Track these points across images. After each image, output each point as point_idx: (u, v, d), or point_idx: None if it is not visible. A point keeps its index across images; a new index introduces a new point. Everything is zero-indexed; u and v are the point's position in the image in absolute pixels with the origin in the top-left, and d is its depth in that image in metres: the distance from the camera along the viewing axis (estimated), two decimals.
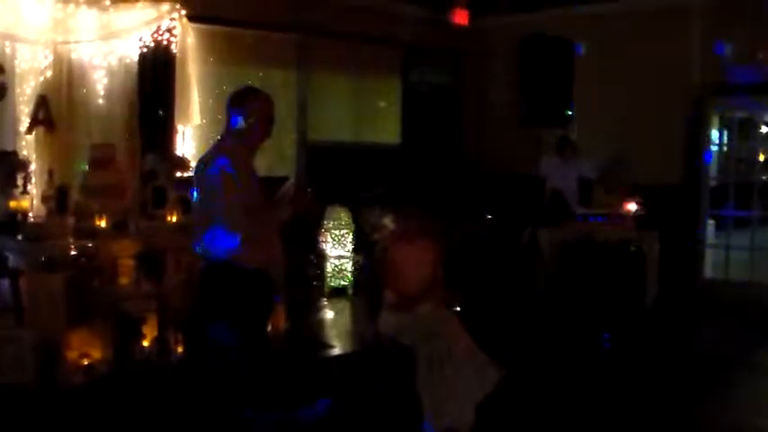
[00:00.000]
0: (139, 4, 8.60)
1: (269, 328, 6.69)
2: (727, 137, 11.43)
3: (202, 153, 5.23)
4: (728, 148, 11.33)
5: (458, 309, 6.73)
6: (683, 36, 10.27)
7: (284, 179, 8.87)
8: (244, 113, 4.76)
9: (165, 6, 8.76)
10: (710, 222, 10.80)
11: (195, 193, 4.92)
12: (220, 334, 4.81)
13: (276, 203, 4.83)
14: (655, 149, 10.37)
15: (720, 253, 10.67)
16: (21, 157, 7.73)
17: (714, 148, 10.91)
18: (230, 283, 4.73)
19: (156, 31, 8.76)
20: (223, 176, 4.63)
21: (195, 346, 6.37)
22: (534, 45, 8.72)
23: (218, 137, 5.02)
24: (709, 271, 10.66)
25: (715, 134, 11.04)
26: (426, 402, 5.62)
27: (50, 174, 7.67)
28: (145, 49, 8.77)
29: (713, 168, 10.91)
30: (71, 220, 7.13)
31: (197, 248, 4.93)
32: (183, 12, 8.90)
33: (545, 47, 8.74)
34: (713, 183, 10.75)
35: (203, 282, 4.93)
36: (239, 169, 4.68)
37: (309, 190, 4.89)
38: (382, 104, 11.86)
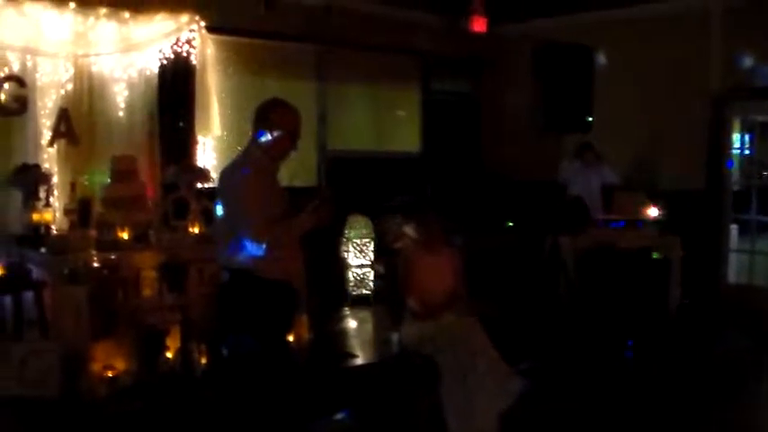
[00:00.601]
0: (159, 16, 8.63)
1: (291, 338, 6.76)
2: (749, 140, 11.34)
3: (225, 163, 5.23)
4: (751, 152, 11.23)
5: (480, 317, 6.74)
6: (703, 40, 10.22)
7: (310, 189, 8.92)
8: (270, 126, 4.75)
9: (185, 18, 8.78)
10: (734, 227, 10.70)
11: (219, 204, 4.91)
12: (242, 345, 4.81)
13: (300, 214, 4.81)
14: (676, 154, 10.33)
15: (744, 258, 10.59)
16: (43, 170, 7.77)
17: (736, 152, 10.81)
18: (253, 294, 4.73)
19: (176, 43, 8.78)
20: (247, 187, 4.66)
21: (218, 357, 6.36)
22: (553, 52, 8.70)
23: (242, 148, 5.03)
24: (732, 276, 10.56)
25: (737, 138, 10.95)
26: (450, 412, 5.62)
27: (73, 186, 7.70)
28: (164, 61, 8.79)
29: (736, 172, 10.81)
30: (93, 233, 7.15)
31: (220, 259, 4.94)
32: (203, 23, 8.92)
33: (564, 53, 8.71)
34: (736, 187, 10.66)
35: (226, 293, 4.94)
36: (263, 180, 4.70)
37: (331, 198, 4.87)
38: (402, 113, 11.87)
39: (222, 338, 5.44)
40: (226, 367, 5.45)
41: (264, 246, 4.56)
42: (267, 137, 4.74)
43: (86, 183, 7.96)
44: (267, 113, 4.81)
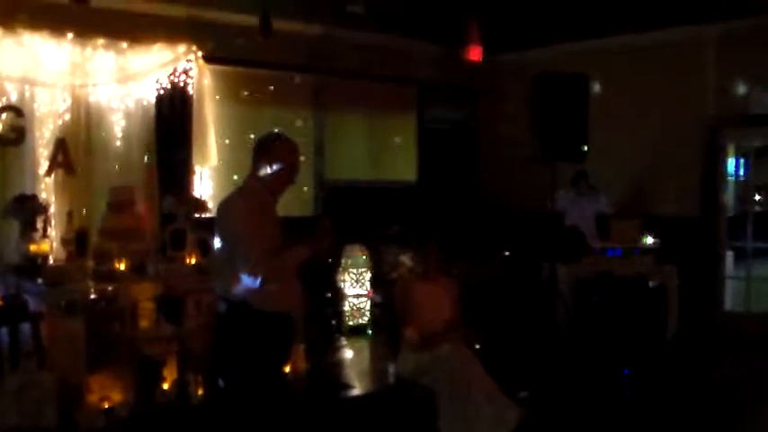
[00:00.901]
0: (156, 47, 8.70)
1: (288, 369, 6.75)
2: (744, 166, 11.37)
3: (222, 193, 5.25)
4: (746, 178, 11.27)
5: (477, 347, 6.74)
6: (697, 67, 10.30)
7: (307, 219, 8.94)
8: (270, 160, 4.76)
9: (182, 48, 8.85)
10: (729, 254, 10.71)
11: (217, 236, 4.91)
12: (239, 377, 4.81)
13: (297, 245, 4.82)
14: (671, 181, 10.38)
15: (740, 285, 10.59)
16: (40, 200, 7.78)
17: (731, 179, 10.84)
18: (249, 327, 4.72)
19: (173, 73, 8.86)
20: (244, 221, 4.67)
21: (215, 388, 6.35)
22: (549, 81, 8.73)
23: (239, 178, 5.05)
24: (729, 303, 10.55)
25: (732, 163, 10.98)
26: None
27: (70, 216, 7.71)
28: (162, 91, 8.87)
29: (731, 198, 10.84)
30: (91, 264, 7.16)
31: (217, 290, 4.94)
32: (200, 53, 8.99)
33: (560, 82, 8.74)
34: (731, 213, 10.68)
35: (223, 324, 4.94)
36: (261, 213, 4.71)
37: (330, 229, 4.88)
38: (398, 142, 11.89)
39: (219, 370, 5.43)
40: (222, 399, 5.44)
41: (261, 279, 4.57)
42: (267, 170, 4.75)
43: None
44: (268, 147, 4.83)
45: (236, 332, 4.78)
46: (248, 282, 4.58)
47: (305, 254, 4.73)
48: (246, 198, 4.79)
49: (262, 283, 4.56)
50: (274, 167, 4.75)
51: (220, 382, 5.53)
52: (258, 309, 4.66)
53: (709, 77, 10.24)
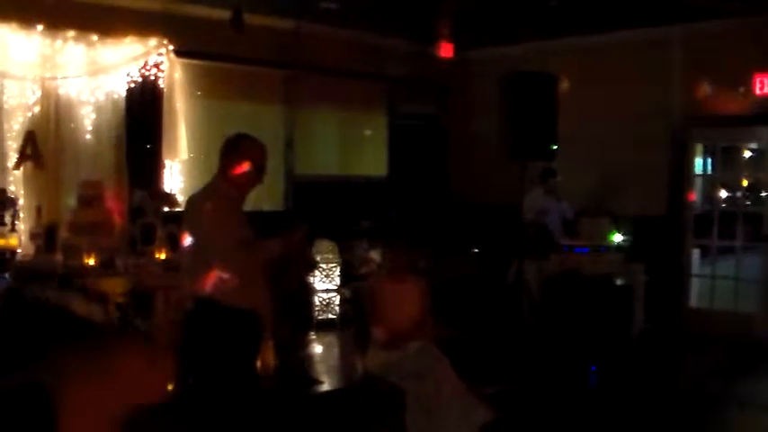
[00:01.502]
0: (127, 40, 8.66)
1: (258, 365, 6.77)
2: (711, 165, 11.49)
3: (192, 187, 5.27)
4: (713, 177, 11.39)
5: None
6: (665, 67, 10.38)
7: (277, 213, 8.92)
8: (238, 159, 4.82)
9: (153, 41, 8.82)
10: (696, 251, 10.84)
11: (186, 233, 4.94)
12: (208, 373, 4.83)
13: (266, 242, 4.87)
14: (639, 180, 10.45)
15: (705, 282, 10.72)
16: (9, 193, 7.73)
17: (698, 177, 10.95)
18: (218, 323, 4.76)
19: (144, 67, 8.82)
20: (212, 218, 4.71)
21: (185, 385, 6.35)
22: (518, 80, 8.78)
23: (210, 174, 5.09)
24: (694, 301, 10.68)
25: (699, 163, 11.09)
26: None
27: (38, 210, 7.68)
28: (132, 84, 8.82)
29: (698, 197, 10.96)
30: (60, 258, 7.14)
31: (186, 287, 4.97)
32: (171, 47, 8.96)
33: (529, 80, 8.79)
34: (697, 212, 10.80)
35: (192, 320, 4.96)
36: (228, 210, 4.75)
37: (305, 233, 4.96)
38: (368, 138, 11.91)
39: (187, 367, 5.45)
40: (191, 396, 5.44)
41: (233, 272, 4.61)
42: (235, 170, 4.79)
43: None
44: (237, 146, 4.89)
45: (204, 329, 4.82)
46: (221, 276, 4.63)
47: (276, 248, 4.79)
48: (212, 196, 4.86)
49: (233, 276, 4.61)
50: (243, 167, 4.79)
51: (189, 380, 5.54)
52: (226, 305, 4.71)
53: (676, 77, 10.33)
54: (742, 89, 9.76)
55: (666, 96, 10.38)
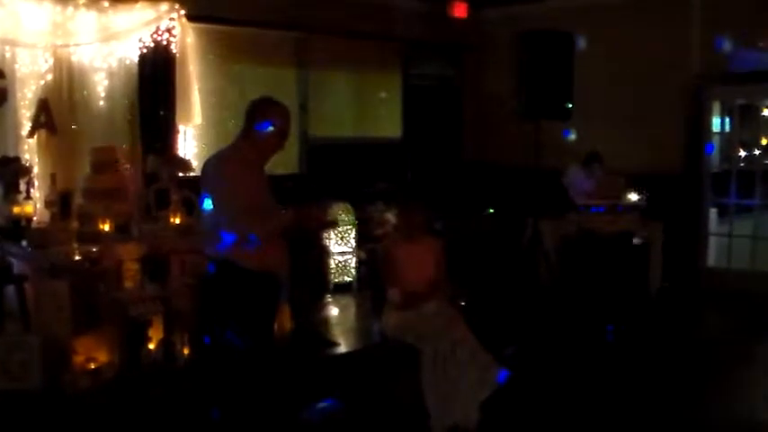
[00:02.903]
0: (138, 5, 8.61)
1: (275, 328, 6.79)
2: (729, 123, 11.39)
3: (206, 152, 5.25)
4: (730, 135, 11.29)
5: (462, 304, 6.79)
6: (682, 24, 10.26)
7: (291, 176, 8.89)
8: (262, 124, 4.81)
9: (164, 6, 8.77)
10: (713, 210, 10.77)
11: (204, 194, 4.93)
12: (227, 336, 4.85)
13: (280, 214, 4.84)
14: (656, 139, 10.38)
15: (723, 241, 10.66)
16: (23, 161, 7.75)
17: (716, 136, 10.85)
18: (237, 286, 4.77)
19: (156, 32, 8.77)
20: (227, 178, 4.73)
21: (202, 348, 6.39)
22: (533, 39, 8.71)
23: (225, 137, 5.09)
24: (711, 260, 10.63)
25: (716, 121, 10.99)
26: (431, 401, 5.66)
27: (53, 178, 7.69)
28: (144, 50, 8.78)
29: (715, 156, 10.87)
30: (75, 225, 7.16)
31: (206, 251, 4.98)
32: (182, 11, 8.91)
33: (545, 39, 8.72)
34: (715, 170, 10.72)
35: (210, 284, 4.98)
36: (249, 173, 4.76)
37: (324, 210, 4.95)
38: (383, 99, 11.85)
39: (206, 329, 5.47)
40: (209, 358, 5.46)
41: (239, 234, 4.63)
42: (259, 133, 4.81)
43: None
44: (260, 111, 4.87)
45: (223, 292, 4.83)
46: (227, 238, 4.64)
47: (289, 219, 4.77)
48: (231, 159, 4.85)
49: (240, 238, 4.62)
50: (266, 131, 4.78)
51: (207, 342, 5.56)
52: (244, 268, 4.71)
53: (694, 34, 10.21)
54: (761, 44, 9.64)
55: (683, 53, 10.28)
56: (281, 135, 4.88)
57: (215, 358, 5.14)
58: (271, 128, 4.79)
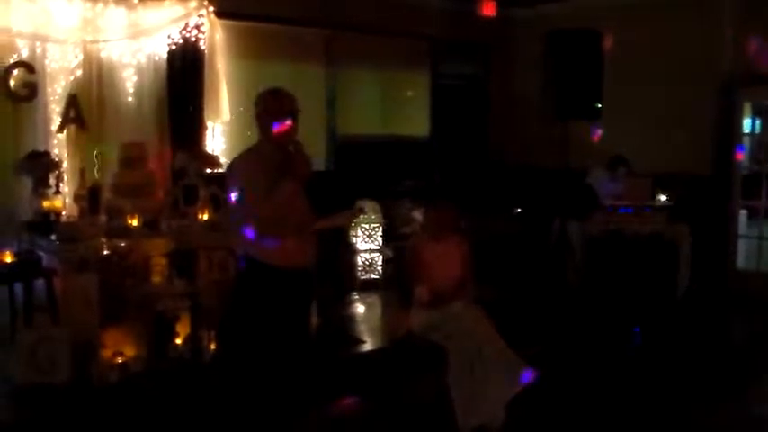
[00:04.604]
0: (167, 2, 8.64)
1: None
2: (760, 125, 11.28)
3: (234, 148, 5.28)
4: (761, 137, 11.17)
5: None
6: (714, 24, 10.17)
7: (318, 173, 8.92)
8: (261, 114, 4.91)
9: (193, 3, 8.79)
10: (743, 212, 10.67)
11: (231, 193, 4.94)
12: (257, 333, 4.85)
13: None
14: (685, 139, 10.29)
15: (753, 243, 10.56)
16: (53, 156, 7.80)
17: (746, 137, 10.75)
18: (267, 284, 4.78)
19: (185, 28, 8.80)
20: (247, 178, 4.74)
21: (230, 344, 6.40)
22: (561, 38, 8.67)
23: (250, 132, 5.14)
24: (741, 262, 10.54)
25: (747, 122, 10.89)
26: (457, 400, 5.65)
27: (82, 173, 7.74)
28: (173, 47, 8.80)
29: (745, 157, 10.77)
30: (103, 220, 7.20)
31: (237, 248, 5.00)
32: (211, 8, 8.93)
33: (574, 38, 8.68)
34: (745, 172, 10.63)
35: (241, 281, 5.00)
36: (265, 170, 4.73)
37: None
38: (411, 97, 11.83)
39: (235, 326, 5.47)
40: (237, 354, 5.46)
41: (256, 230, 4.65)
42: (261, 123, 4.90)
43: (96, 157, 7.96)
44: (258, 103, 4.97)
45: (254, 290, 4.83)
46: (259, 239, 4.65)
47: (288, 185, 4.71)
48: (250, 155, 4.91)
49: (258, 234, 4.64)
50: (268, 119, 4.84)
51: (235, 338, 5.56)
52: (273, 266, 4.74)
53: (726, 34, 10.12)
54: None
55: (714, 54, 10.18)
56: (285, 117, 4.86)
57: (243, 355, 5.14)
58: (272, 118, 4.83)
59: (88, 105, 8.25)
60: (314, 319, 7.27)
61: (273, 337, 4.81)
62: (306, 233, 4.93)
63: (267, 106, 4.91)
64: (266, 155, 4.82)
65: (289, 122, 4.83)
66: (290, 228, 4.78)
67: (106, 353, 6.22)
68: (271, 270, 4.76)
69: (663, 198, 9.49)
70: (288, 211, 4.71)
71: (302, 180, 4.81)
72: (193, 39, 8.86)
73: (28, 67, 7.87)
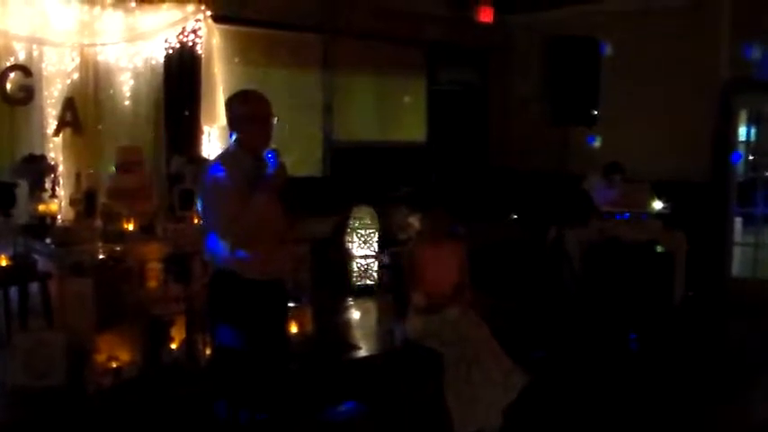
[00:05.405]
0: (164, 6, 8.64)
1: (294, 330, 6.79)
2: (756, 132, 11.29)
3: None
4: (757, 144, 11.18)
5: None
6: (711, 31, 10.18)
7: (314, 179, 8.87)
8: (232, 119, 4.68)
9: (191, 7, 8.80)
10: (738, 220, 10.68)
11: (198, 200, 4.84)
12: (225, 339, 4.73)
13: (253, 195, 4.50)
14: (681, 146, 10.29)
15: (748, 251, 10.56)
16: (49, 160, 7.78)
17: (741, 144, 10.76)
18: (232, 293, 4.60)
19: (182, 33, 8.81)
20: (214, 185, 4.50)
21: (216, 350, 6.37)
22: (559, 45, 8.68)
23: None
24: (736, 269, 10.54)
25: (743, 130, 10.90)
26: (453, 406, 5.63)
27: (78, 177, 7.72)
28: (170, 51, 8.81)
29: (741, 164, 10.78)
30: (99, 224, 7.17)
31: (205, 255, 4.89)
32: (209, 12, 8.94)
33: (571, 45, 8.70)
34: (741, 179, 10.63)
35: (210, 288, 4.86)
36: (235, 177, 4.48)
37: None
38: (408, 103, 11.82)
39: (213, 331, 5.35)
40: (220, 360, 5.34)
41: (232, 244, 4.48)
42: (234, 129, 4.65)
43: (91, 171, 7.98)
44: (228, 107, 4.75)
45: (220, 297, 4.71)
46: (223, 248, 4.51)
47: (263, 196, 4.46)
48: (219, 161, 4.67)
49: (233, 247, 4.48)
50: (240, 125, 4.62)
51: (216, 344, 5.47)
52: (239, 276, 4.56)
53: (723, 41, 10.13)
54: None
55: (711, 61, 10.19)
56: (260, 122, 4.61)
57: (227, 363, 5.02)
58: (242, 123, 4.59)
59: (84, 109, 8.25)
60: (309, 326, 7.29)
61: (251, 349, 4.67)
62: (280, 242, 4.72)
63: (251, 110, 4.62)
64: (239, 162, 4.56)
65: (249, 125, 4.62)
66: (263, 238, 4.56)
67: (101, 357, 6.17)
68: (243, 282, 4.57)
69: (660, 205, 9.47)
70: (262, 222, 4.49)
71: (277, 189, 4.53)
72: (190, 43, 8.88)
73: (24, 70, 7.87)
